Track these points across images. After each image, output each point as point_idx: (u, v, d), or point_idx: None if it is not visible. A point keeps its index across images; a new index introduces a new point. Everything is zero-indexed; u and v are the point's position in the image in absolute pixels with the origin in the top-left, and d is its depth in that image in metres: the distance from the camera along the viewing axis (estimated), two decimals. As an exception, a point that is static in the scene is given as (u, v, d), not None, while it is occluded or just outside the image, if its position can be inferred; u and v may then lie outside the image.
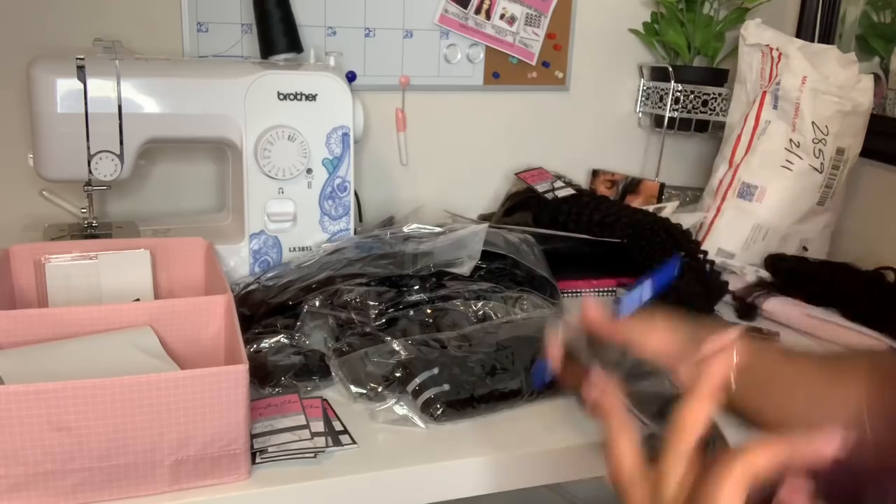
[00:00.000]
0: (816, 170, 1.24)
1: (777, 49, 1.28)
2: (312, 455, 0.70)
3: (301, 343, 0.88)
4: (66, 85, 0.94)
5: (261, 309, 0.93)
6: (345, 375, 0.82)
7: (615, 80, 1.47)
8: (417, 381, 0.78)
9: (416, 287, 0.94)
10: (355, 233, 1.13)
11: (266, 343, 0.86)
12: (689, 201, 1.44)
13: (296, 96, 1.04)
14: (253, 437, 0.70)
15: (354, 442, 0.73)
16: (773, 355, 0.62)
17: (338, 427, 0.75)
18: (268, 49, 1.12)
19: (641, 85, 1.47)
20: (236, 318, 0.76)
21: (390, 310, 0.91)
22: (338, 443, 0.72)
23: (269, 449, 0.69)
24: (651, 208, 1.30)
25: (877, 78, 1.23)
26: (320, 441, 0.71)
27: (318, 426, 0.73)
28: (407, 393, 0.79)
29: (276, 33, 1.11)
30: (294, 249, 1.09)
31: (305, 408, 0.75)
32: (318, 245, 1.09)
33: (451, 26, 1.32)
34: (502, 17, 1.34)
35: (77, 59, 0.95)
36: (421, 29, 1.31)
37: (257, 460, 0.69)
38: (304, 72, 1.06)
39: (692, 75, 1.39)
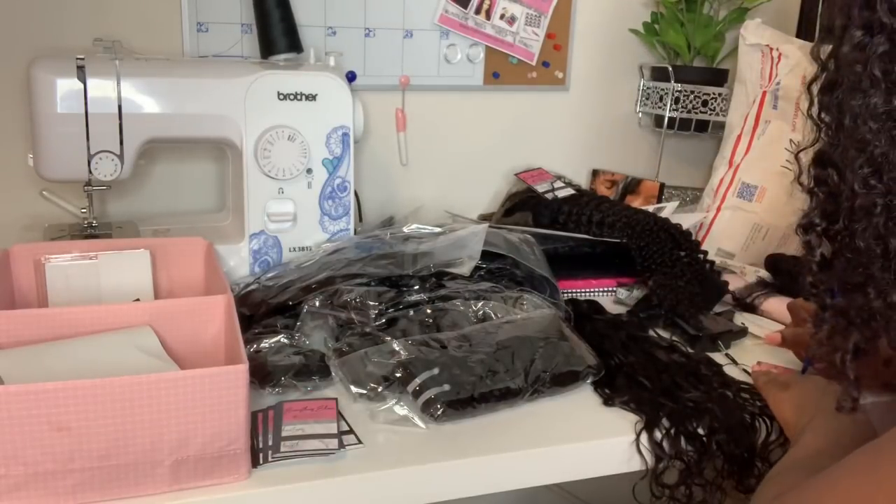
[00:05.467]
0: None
1: (777, 49, 1.28)
2: (325, 455, 0.69)
3: (301, 343, 0.88)
4: (66, 85, 0.94)
5: (261, 309, 0.93)
6: (345, 375, 0.82)
7: (615, 80, 1.47)
8: (418, 381, 0.78)
9: (416, 287, 0.94)
10: (355, 233, 1.13)
11: (266, 343, 0.86)
12: (689, 201, 1.44)
13: (296, 96, 1.04)
14: (283, 439, 0.70)
15: (360, 442, 0.73)
16: None
17: (343, 427, 0.75)
18: (268, 49, 1.12)
19: (641, 85, 1.47)
20: (236, 318, 0.76)
21: (390, 310, 0.91)
22: (342, 444, 0.72)
23: (282, 448, 0.69)
24: (651, 208, 1.30)
25: (877, 78, 1.22)
26: (332, 442, 0.71)
27: (332, 428, 0.73)
28: (407, 393, 0.79)
29: (276, 33, 1.11)
30: (294, 249, 1.09)
31: (320, 409, 0.75)
32: (318, 245, 1.09)
33: (451, 26, 1.32)
34: (502, 17, 1.34)
35: (77, 59, 0.95)
36: (421, 29, 1.31)
37: (269, 458, 0.69)
38: (304, 72, 1.06)
39: (692, 75, 1.40)
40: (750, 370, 0.90)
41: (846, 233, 0.59)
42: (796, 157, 0.66)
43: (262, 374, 0.80)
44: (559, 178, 1.33)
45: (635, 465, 0.77)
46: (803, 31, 1.45)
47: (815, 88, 0.62)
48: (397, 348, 0.82)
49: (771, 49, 1.29)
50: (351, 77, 1.27)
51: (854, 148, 0.56)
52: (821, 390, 0.76)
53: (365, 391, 0.79)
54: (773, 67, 1.29)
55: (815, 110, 0.62)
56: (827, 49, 0.61)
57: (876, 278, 0.56)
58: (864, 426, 0.69)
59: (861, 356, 0.60)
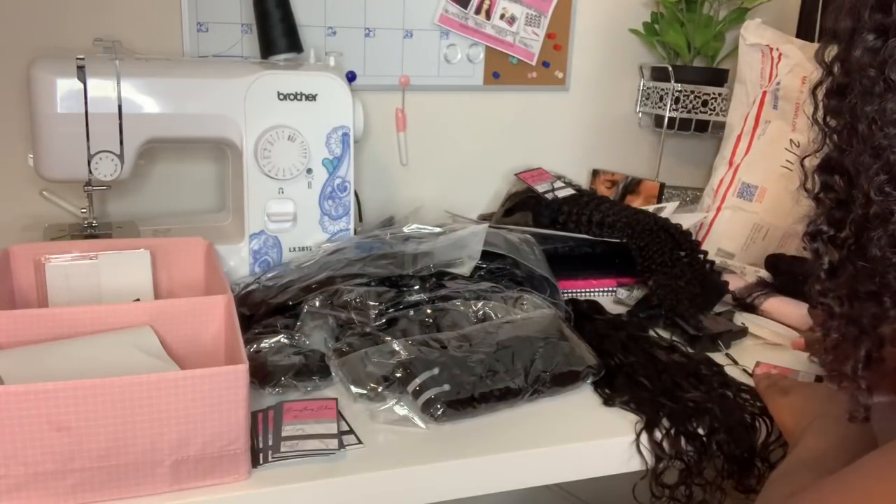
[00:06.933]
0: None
1: (777, 49, 1.28)
2: (325, 455, 0.69)
3: (301, 343, 0.88)
4: (66, 85, 0.94)
5: (261, 309, 0.93)
6: (345, 375, 0.82)
7: (615, 80, 1.47)
8: (418, 381, 0.78)
9: (416, 287, 0.94)
10: (355, 233, 1.13)
11: (266, 343, 0.86)
12: (689, 201, 1.44)
13: (296, 96, 1.04)
14: (283, 439, 0.70)
15: (360, 442, 0.73)
16: None
17: (343, 427, 0.75)
18: (268, 49, 1.12)
19: (641, 85, 1.47)
20: (236, 318, 0.76)
21: (390, 310, 0.91)
22: (342, 444, 0.72)
23: (282, 448, 0.69)
24: (651, 208, 1.30)
25: (877, 78, 1.22)
26: (332, 442, 0.71)
27: (332, 428, 0.73)
28: (407, 393, 0.79)
29: (276, 33, 1.11)
30: (294, 249, 1.09)
31: (320, 409, 0.75)
32: (318, 245, 1.09)
33: (451, 26, 1.32)
34: (502, 17, 1.34)
35: (77, 59, 0.95)
36: (421, 29, 1.31)
37: (269, 458, 0.69)
38: (304, 72, 1.06)
39: (692, 75, 1.39)
40: (751, 373, 0.90)
41: (856, 240, 0.59)
42: (801, 163, 0.65)
43: (262, 374, 0.80)
44: (559, 178, 1.32)
45: (635, 465, 0.77)
46: (803, 31, 1.45)
47: (820, 92, 0.61)
48: (397, 348, 0.82)
49: (771, 49, 1.29)
50: (351, 77, 1.27)
51: (869, 154, 0.55)
52: (821, 396, 0.76)
53: (365, 391, 0.79)
54: (773, 67, 1.29)
55: (819, 115, 0.62)
56: (832, 52, 0.60)
57: (891, 287, 0.56)
58: (866, 428, 0.69)
59: (872, 364, 0.60)
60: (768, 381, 0.83)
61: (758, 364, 0.90)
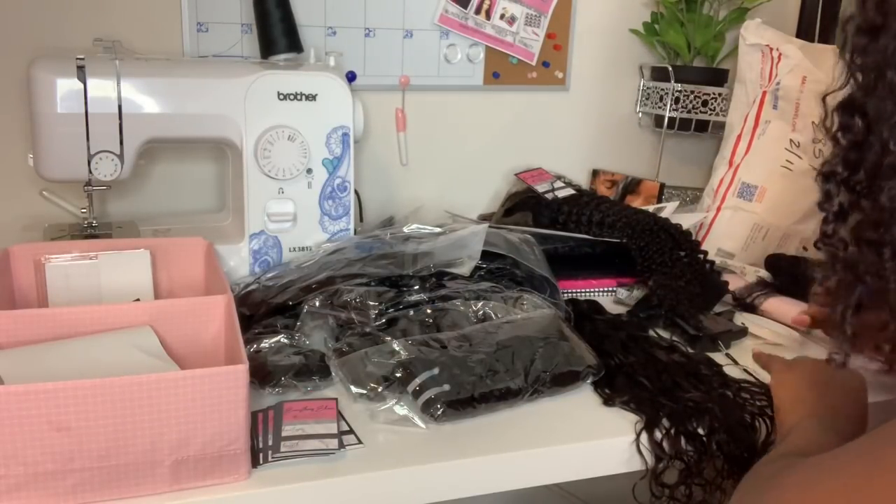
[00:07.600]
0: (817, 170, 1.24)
1: (777, 49, 1.28)
2: (325, 455, 0.69)
3: (301, 343, 0.88)
4: (66, 85, 0.94)
5: (261, 309, 0.93)
6: (345, 375, 0.82)
7: (615, 80, 1.47)
8: (418, 381, 0.78)
9: (416, 287, 0.94)
10: (355, 233, 1.13)
11: (266, 343, 0.86)
12: (689, 201, 1.44)
13: (296, 96, 1.04)
14: (283, 439, 0.70)
15: (360, 442, 0.73)
16: None
17: (343, 427, 0.75)
18: (268, 49, 1.12)
19: (641, 85, 1.47)
20: (236, 318, 0.76)
21: (390, 310, 0.91)
22: (342, 444, 0.72)
23: (282, 448, 0.69)
24: (651, 208, 1.30)
25: (877, 78, 1.22)
26: (332, 442, 0.71)
27: (332, 428, 0.73)
28: (407, 393, 0.79)
29: (276, 33, 1.11)
30: (294, 249, 1.09)
31: (320, 409, 0.75)
32: (318, 245, 1.09)
33: (451, 26, 1.32)
34: (502, 17, 1.34)
35: (77, 59, 0.95)
36: (421, 29, 1.31)
37: (269, 458, 0.69)
38: (304, 72, 1.06)
39: (692, 75, 1.40)
40: (752, 352, 0.90)
41: (867, 185, 0.57)
42: (823, 99, 0.62)
43: (262, 374, 0.80)
44: (559, 178, 1.33)
45: (635, 465, 0.77)
46: (803, 31, 1.45)
47: (850, 28, 0.58)
48: (397, 348, 0.82)
49: (771, 49, 1.29)
50: (351, 77, 1.27)
51: (893, 101, 0.53)
52: (822, 384, 0.75)
53: (365, 391, 0.79)
54: (773, 67, 1.29)
55: (847, 51, 0.58)
56: None
57: (895, 239, 0.54)
58: (857, 431, 0.68)
59: (862, 313, 0.59)
60: (769, 355, 0.83)
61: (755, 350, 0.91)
